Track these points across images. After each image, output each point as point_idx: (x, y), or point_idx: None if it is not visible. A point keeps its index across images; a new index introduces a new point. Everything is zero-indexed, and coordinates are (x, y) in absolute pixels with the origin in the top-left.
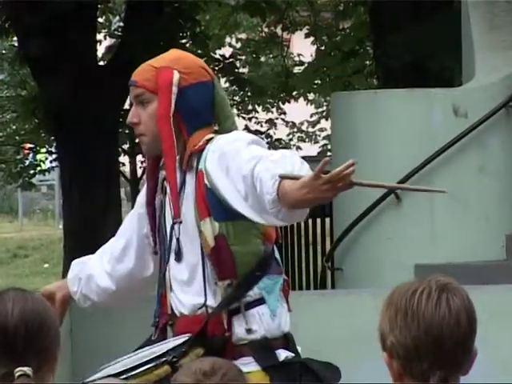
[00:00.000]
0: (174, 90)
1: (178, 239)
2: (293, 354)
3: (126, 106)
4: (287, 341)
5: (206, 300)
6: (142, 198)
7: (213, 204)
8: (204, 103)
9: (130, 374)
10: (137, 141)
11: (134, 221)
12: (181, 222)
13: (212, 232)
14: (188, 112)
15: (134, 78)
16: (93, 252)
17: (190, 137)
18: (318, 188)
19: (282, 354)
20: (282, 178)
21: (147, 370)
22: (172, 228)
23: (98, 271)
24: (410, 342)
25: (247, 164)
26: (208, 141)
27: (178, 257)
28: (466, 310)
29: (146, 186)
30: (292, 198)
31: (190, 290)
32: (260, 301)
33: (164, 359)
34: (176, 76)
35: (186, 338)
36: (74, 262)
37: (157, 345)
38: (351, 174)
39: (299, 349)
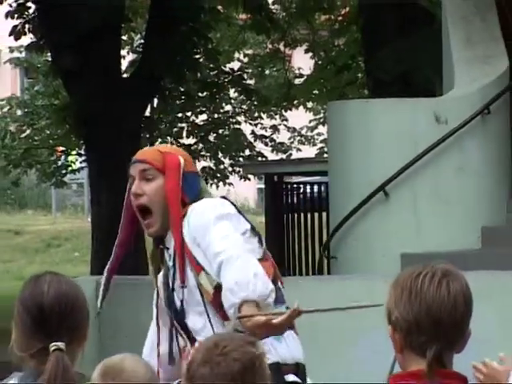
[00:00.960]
0: (181, 171)
1: (181, 301)
2: (300, 381)
3: (147, 114)
4: (297, 368)
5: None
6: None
7: (202, 260)
8: (196, 189)
9: None
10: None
11: None
12: (185, 287)
13: (210, 283)
14: (186, 193)
15: (141, 157)
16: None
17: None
18: (269, 329)
19: (290, 378)
20: (239, 318)
21: None
22: (173, 291)
23: None
24: (411, 318)
25: (215, 257)
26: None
27: (182, 316)
28: (464, 294)
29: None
30: (246, 328)
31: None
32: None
33: None
34: (182, 160)
35: None
36: None
37: None
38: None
39: (309, 380)
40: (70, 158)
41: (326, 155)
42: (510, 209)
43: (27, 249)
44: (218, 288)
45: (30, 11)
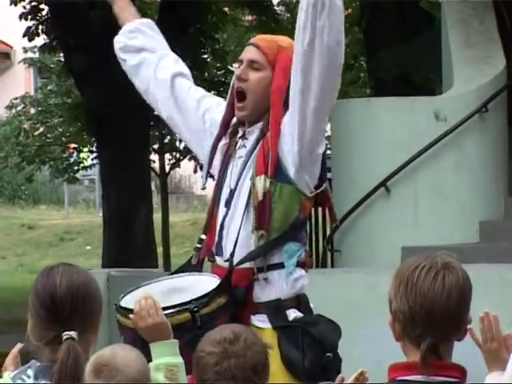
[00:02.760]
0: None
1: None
2: (301, 315)
3: (156, 113)
4: (299, 301)
5: (234, 248)
6: (214, 114)
7: (270, 164)
8: None
9: None
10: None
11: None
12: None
13: (263, 187)
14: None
15: (258, 42)
16: (127, 236)
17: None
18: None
19: (292, 314)
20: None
21: (170, 314)
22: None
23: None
24: (407, 310)
25: None
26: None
27: (228, 204)
28: (460, 287)
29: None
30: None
31: (227, 237)
32: (281, 265)
33: (186, 307)
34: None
35: (212, 288)
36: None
37: (192, 274)
38: None
39: (312, 305)
40: (82, 155)
41: (329, 152)
42: (507, 204)
43: (40, 243)
44: (267, 193)
45: (43, 13)
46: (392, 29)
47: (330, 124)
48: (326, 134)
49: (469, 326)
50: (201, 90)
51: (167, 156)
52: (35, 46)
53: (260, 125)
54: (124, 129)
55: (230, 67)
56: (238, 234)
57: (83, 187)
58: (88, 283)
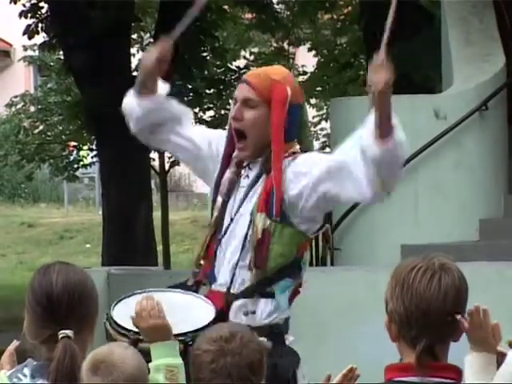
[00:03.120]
0: (287, 105)
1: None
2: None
3: None
4: (270, 330)
5: (231, 282)
6: (219, 140)
7: (272, 202)
8: (297, 121)
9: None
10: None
11: (208, 141)
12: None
13: (263, 225)
14: (288, 125)
15: (250, 79)
16: (127, 234)
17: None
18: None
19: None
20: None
21: None
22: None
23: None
24: (403, 311)
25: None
26: (291, 154)
27: (225, 233)
28: (456, 288)
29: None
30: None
31: (223, 268)
32: (270, 294)
33: (182, 338)
34: (289, 93)
35: (208, 321)
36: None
37: (188, 293)
38: None
39: (291, 338)
40: (82, 153)
41: (328, 149)
42: (506, 202)
43: (40, 241)
44: (266, 231)
45: (43, 11)
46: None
47: (329, 122)
48: (326, 132)
49: (458, 317)
50: (202, 128)
51: (167, 154)
52: (35, 44)
53: (262, 159)
54: (124, 127)
55: (229, 65)
56: (234, 268)
57: (83, 185)
58: (84, 282)
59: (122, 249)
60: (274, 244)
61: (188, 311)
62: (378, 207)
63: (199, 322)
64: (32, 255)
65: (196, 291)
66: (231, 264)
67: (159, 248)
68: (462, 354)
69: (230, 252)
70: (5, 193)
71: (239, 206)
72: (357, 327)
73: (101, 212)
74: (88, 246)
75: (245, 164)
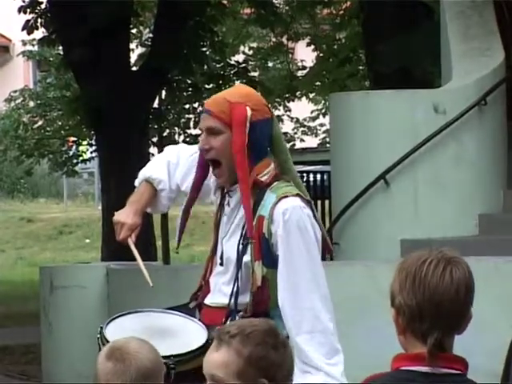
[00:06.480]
0: (247, 125)
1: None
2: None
3: (155, 105)
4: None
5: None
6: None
7: (264, 250)
8: (266, 137)
9: None
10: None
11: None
12: (253, 243)
13: (261, 273)
14: (254, 144)
15: (209, 107)
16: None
17: (254, 166)
18: None
19: None
20: None
21: None
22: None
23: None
24: (414, 305)
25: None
26: (272, 178)
27: (221, 262)
28: (466, 282)
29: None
30: None
31: (218, 292)
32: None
33: (164, 361)
34: (249, 112)
35: (197, 346)
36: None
37: (183, 316)
38: None
39: None
40: (81, 148)
41: (328, 145)
42: (506, 197)
43: (40, 236)
44: (264, 278)
45: (42, 6)
46: (391, 22)
47: (329, 117)
48: (326, 128)
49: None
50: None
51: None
52: (34, 39)
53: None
54: (123, 122)
55: (228, 60)
56: (228, 301)
57: (82, 180)
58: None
59: (121, 244)
60: (272, 290)
61: (179, 335)
62: (377, 202)
63: (186, 346)
64: (31, 250)
65: (194, 315)
66: (226, 295)
67: (158, 243)
68: (462, 346)
69: (227, 281)
70: (4, 188)
71: (224, 235)
72: (356, 322)
73: (100, 207)
74: (87, 240)
75: (226, 190)
